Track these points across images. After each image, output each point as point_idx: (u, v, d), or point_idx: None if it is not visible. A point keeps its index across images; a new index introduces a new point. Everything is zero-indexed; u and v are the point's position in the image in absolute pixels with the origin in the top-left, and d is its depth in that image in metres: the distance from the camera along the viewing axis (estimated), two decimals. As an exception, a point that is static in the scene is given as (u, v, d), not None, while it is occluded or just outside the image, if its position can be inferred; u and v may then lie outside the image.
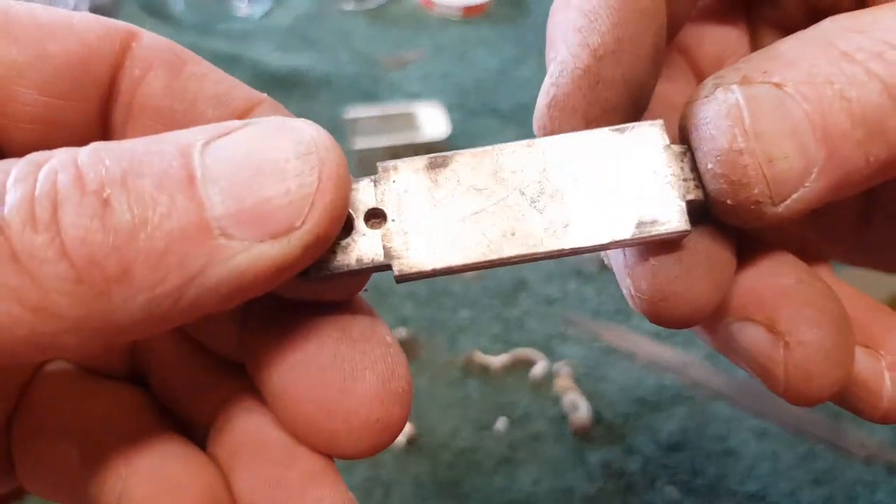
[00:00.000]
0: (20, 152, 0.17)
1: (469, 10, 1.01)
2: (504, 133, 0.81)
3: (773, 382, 0.22)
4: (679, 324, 0.22)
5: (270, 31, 0.98)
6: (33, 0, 0.21)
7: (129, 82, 0.21)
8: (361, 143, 0.74)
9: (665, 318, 0.22)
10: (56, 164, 0.16)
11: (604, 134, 0.22)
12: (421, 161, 0.21)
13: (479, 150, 0.22)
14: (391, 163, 0.21)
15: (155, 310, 0.16)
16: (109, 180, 0.16)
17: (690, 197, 0.21)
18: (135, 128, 0.21)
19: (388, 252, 0.20)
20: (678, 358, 0.59)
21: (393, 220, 0.21)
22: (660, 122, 0.22)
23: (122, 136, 0.22)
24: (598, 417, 0.55)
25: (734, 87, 0.20)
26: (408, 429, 0.53)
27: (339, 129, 0.78)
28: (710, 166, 0.20)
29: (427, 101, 0.82)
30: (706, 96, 0.21)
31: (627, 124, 0.22)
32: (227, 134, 0.18)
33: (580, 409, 0.54)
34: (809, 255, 0.26)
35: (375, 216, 0.21)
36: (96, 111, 0.21)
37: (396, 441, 0.52)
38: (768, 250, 0.23)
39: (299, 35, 0.98)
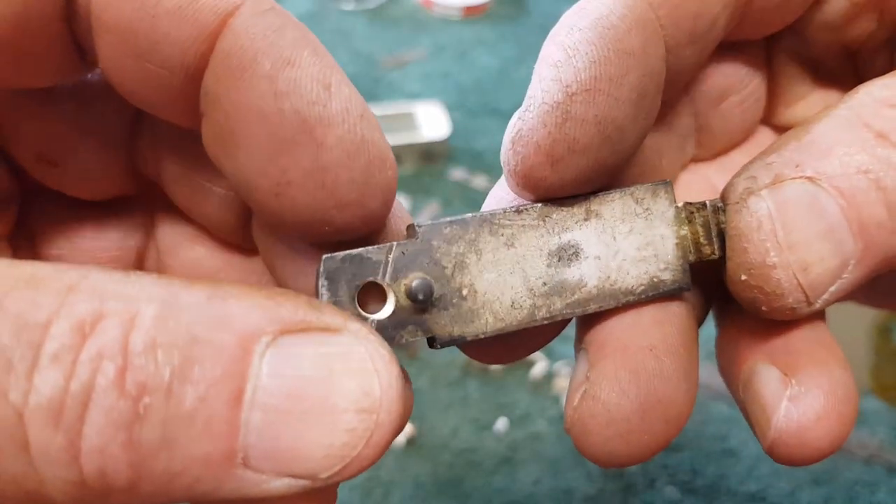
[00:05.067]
0: None
1: (469, 10, 1.01)
2: (504, 133, 0.81)
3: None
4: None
5: (270, 31, 0.98)
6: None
7: None
8: (361, 143, 0.74)
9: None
10: (104, 347, 0.14)
11: (613, 195, 0.23)
12: (449, 227, 0.21)
13: (489, 215, 0.22)
14: (427, 228, 0.21)
15: None
16: (154, 386, 0.14)
17: (692, 258, 0.23)
18: (101, 46, 0.19)
19: (428, 326, 0.21)
20: (678, 358, 0.59)
21: (427, 292, 0.20)
22: (668, 182, 0.23)
23: (94, 56, 0.20)
24: (598, 417, 0.55)
25: (765, 193, 0.20)
26: (408, 429, 0.53)
27: (339, 129, 0.78)
28: (742, 277, 0.20)
29: (427, 101, 0.82)
30: (737, 202, 0.20)
31: (638, 185, 0.23)
32: (299, 332, 0.16)
33: (580, 409, 0.54)
34: None
35: (422, 294, 0.20)
36: (61, 30, 0.19)
37: (396, 441, 0.52)
38: None
39: (299, 35, 0.98)
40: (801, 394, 0.21)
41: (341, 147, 0.18)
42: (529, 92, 0.21)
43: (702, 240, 0.22)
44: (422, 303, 0.20)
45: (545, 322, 0.22)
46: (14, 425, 0.14)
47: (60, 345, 0.14)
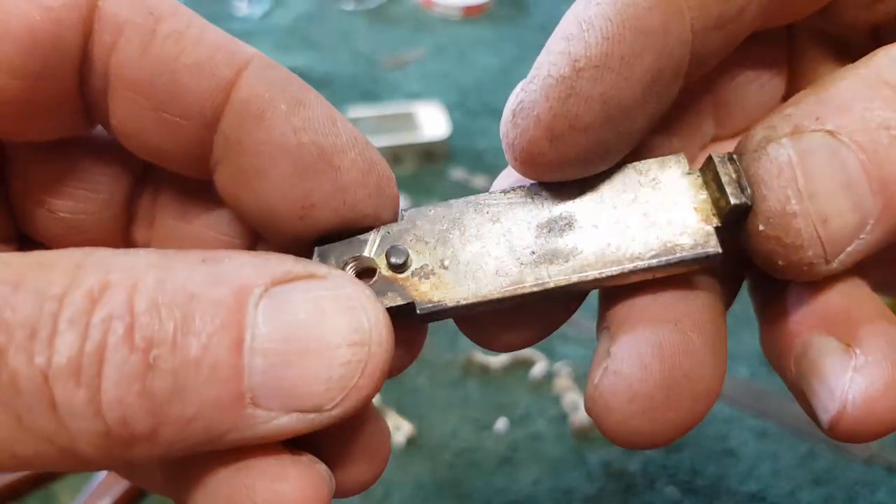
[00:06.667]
0: None
1: (469, 10, 1.01)
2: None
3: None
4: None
5: (270, 31, 0.98)
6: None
7: (101, 49, 0.20)
8: (361, 143, 0.75)
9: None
10: (112, 309, 0.16)
11: (622, 171, 0.22)
12: (434, 209, 0.22)
13: (475, 197, 0.22)
14: (412, 211, 0.22)
15: (165, 456, 0.17)
16: (160, 339, 0.16)
17: (716, 223, 0.21)
18: (116, 102, 0.20)
19: (408, 293, 0.21)
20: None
21: (413, 261, 0.22)
22: (680, 154, 0.22)
23: (106, 112, 0.21)
24: (598, 417, 0.55)
25: (785, 141, 0.19)
26: (408, 429, 0.53)
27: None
28: (761, 227, 0.20)
29: (427, 101, 0.82)
30: (755, 150, 0.20)
31: (643, 161, 0.22)
32: (288, 281, 0.17)
33: (580, 409, 0.54)
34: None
35: (396, 258, 0.21)
36: (74, 86, 0.20)
37: (396, 441, 0.52)
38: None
39: (299, 35, 0.98)
40: (868, 364, 0.20)
41: (356, 168, 0.21)
42: (536, 63, 0.20)
43: (716, 194, 0.21)
44: (397, 267, 0.21)
45: (535, 290, 0.21)
46: (41, 386, 0.15)
47: (74, 311, 0.16)
